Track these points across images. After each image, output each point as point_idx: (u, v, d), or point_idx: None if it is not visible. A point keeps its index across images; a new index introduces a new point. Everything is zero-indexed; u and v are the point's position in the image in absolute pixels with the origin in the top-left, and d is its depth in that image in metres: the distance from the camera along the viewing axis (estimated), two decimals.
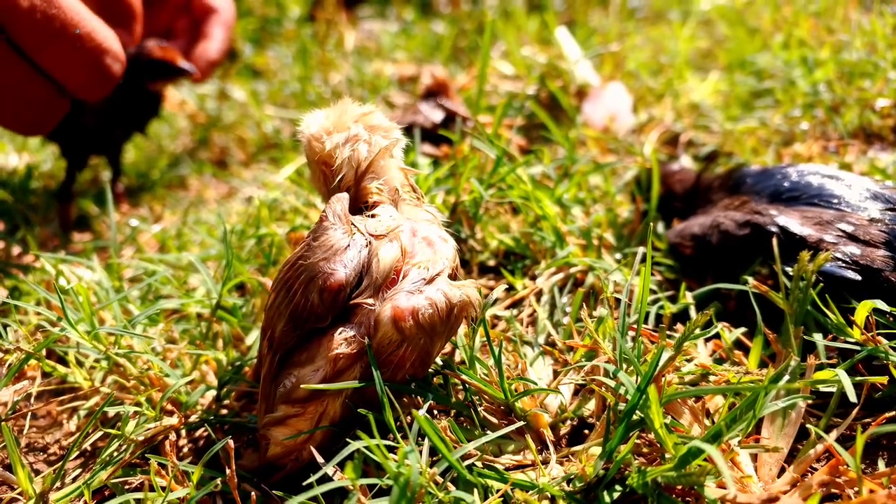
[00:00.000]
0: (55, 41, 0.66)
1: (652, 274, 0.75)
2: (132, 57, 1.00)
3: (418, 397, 0.52)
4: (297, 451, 0.49)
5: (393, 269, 0.50)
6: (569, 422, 0.57)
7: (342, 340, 0.47)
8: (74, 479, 0.58)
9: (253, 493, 0.47)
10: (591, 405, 0.57)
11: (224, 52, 1.15)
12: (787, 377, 0.49)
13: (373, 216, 0.53)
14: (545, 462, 0.51)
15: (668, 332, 0.54)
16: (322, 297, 0.48)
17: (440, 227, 0.55)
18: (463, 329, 0.59)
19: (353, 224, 0.51)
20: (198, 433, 0.63)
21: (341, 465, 0.45)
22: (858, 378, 0.51)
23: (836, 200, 0.65)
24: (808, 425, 0.50)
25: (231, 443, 0.47)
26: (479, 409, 0.54)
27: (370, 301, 0.48)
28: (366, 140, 0.55)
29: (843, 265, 0.59)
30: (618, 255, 0.79)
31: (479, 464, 0.49)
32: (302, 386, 0.47)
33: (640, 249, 0.70)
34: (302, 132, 0.57)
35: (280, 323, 0.49)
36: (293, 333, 0.48)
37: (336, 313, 0.48)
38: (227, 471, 0.47)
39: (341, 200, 0.52)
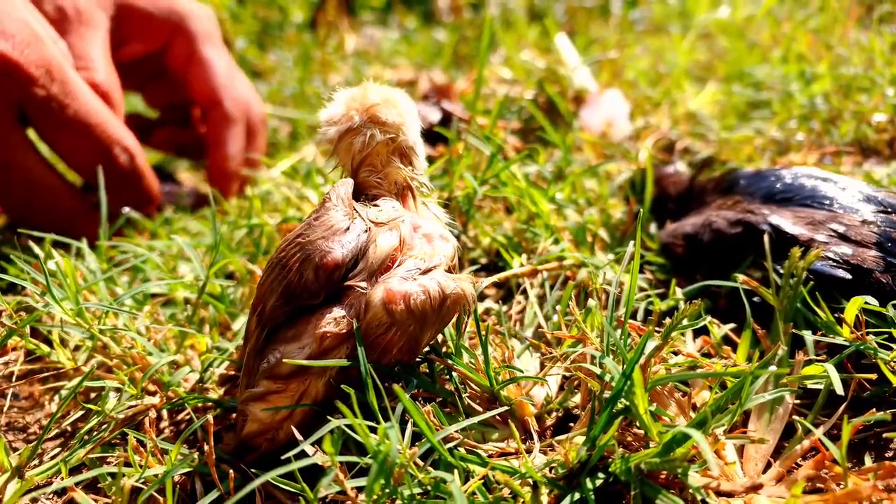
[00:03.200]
0: (67, 129, 0.76)
1: (643, 272, 0.75)
2: None
3: (402, 384, 0.51)
4: (274, 431, 0.49)
5: (389, 257, 0.50)
6: (554, 413, 0.56)
7: (331, 320, 0.47)
8: (53, 458, 0.57)
9: (231, 472, 0.46)
10: (578, 398, 0.56)
11: (242, 151, 1.07)
12: (773, 367, 0.48)
13: (375, 206, 0.53)
14: (529, 451, 0.50)
15: (655, 327, 0.54)
16: (317, 274, 0.47)
17: (443, 227, 0.55)
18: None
19: (354, 209, 0.51)
20: (179, 416, 0.62)
21: (320, 444, 0.44)
22: (846, 375, 0.51)
23: (828, 202, 0.65)
24: (795, 421, 0.50)
25: (211, 419, 0.46)
26: (464, 396, 0.53)
27: (363, 284, 0.48)
28: (362, 134, 0.55)
29: (834, 264, 0.58)
30: (610, 255, 0.79)
31: (461, 449, 0.48)
32: (285, 361, 0.46)
33: (631, 245, 0.70)
34: (318, 119, 0.57)
35: (271, 298, 0.48)
36: (283, 309, 0.48)
37: (329, 292, 0.48)
38: (206, 447, 0.46)
39: (346, 184, 0.52)
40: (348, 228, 0.49)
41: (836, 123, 1.12)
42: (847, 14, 1.59)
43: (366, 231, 0.50)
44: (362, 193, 0.56)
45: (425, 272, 0.49)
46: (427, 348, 0.56)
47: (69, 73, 0.76)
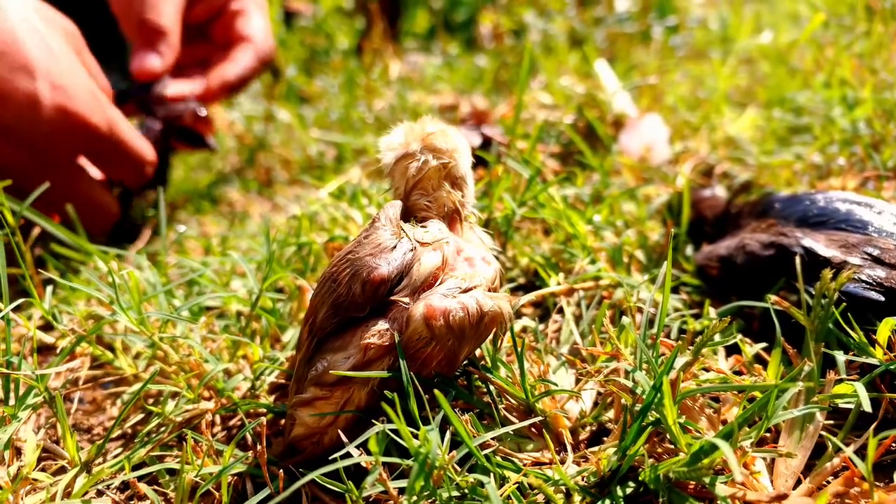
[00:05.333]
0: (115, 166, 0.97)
1: (678, 293, 0.76)
2: (168, 117, 1.09)
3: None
4: (319, 435, 0.52)
5: (432, 275, 0.53)
6: (588, 428, 0.58)
7: (375, 332, 0.50)
8: (116, 457, 0.61)
9: (280, 472, 0.49)
10: (611, 414, 0.58)
11: (244, 80, 1.18)
12: (800, 382, 0.49)
13: (423, 227, 0.57)
14: (562, 462, 0.52)
15: (688, 345, 0.56)
16: (364, 288, 0.51)
17: (486, 251, 0.59)
18: None
19: (402, 229, 0.55)
20: (231, 423, 0.66)
21: (364, 447, 0.47)
22: (877, 394, 0.52)
23: (863, 226, 0.66)
24: (826, 439, 0.51)
25: (263, 421, 0.49)
26: (500, 407, 0.56)
27: (406, 299, 0.52)
28: (417, 159, 0.59)
29: (868, 286, 0.59)
30: (646, 276, 0.80)
31: (497, 456, 0.51)
32: (331, 371, 0.49)
33: (664, 266, 0.72)
34: (378, 145, 0.62)
35: (322, 310, 0.52)
36: (332, 320, 0.51)
37: (374, 305, 0.52)
38: (258, 447, 0.49)
39: (394, 206, 0.57)
40: (395, 247, 0.53)
41: (878, 149, 1.12)
42: (893, 39, 1.58)
43: (411, 250, 0.53)
44: (412, 215, 0.59)
45: (465, 291, 0.52)
46: (465, 362, 0.59)
47: (121, 126, 0.94)
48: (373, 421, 0.46)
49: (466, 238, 0.60)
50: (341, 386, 0.50)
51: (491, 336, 0.56)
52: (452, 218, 0.60)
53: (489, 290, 0.55)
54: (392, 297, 0.52)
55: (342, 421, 0.52)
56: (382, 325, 0.51)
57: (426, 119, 0.61)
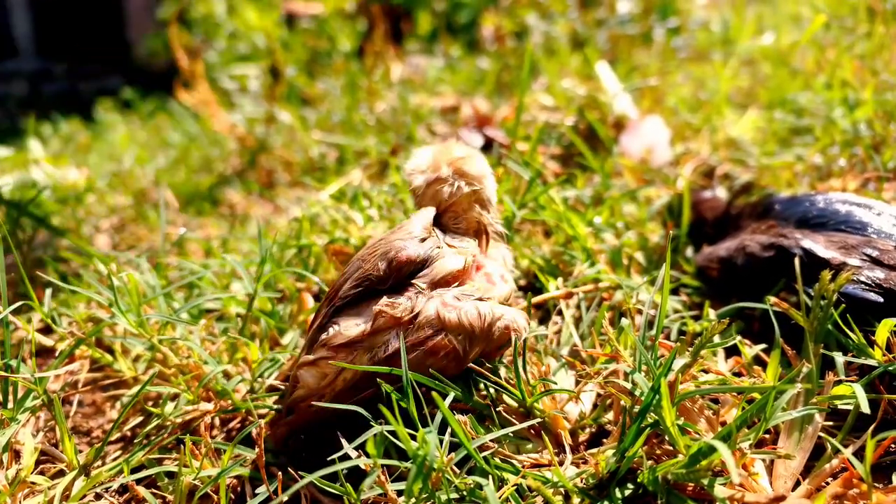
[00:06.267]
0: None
1: (678, 294, 0.76)
2: None
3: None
4: (318, 397, 0.54)
5: (451, 275, 0.55)
6: (588, 429, 0.58)
7: (389, 302, 0.53)
8: (115, 460, 0.61)
9: (279, 475, 0.49)
10: (611, 415, 0.58)
11: None
12: (798, 384, 0.49)
13: (454, 237, 0.60)
14: (561, 463, 0.52)
15: (687, 346, 0.55)
16: (389, 265, 0.54)
17: (506, 270, 0.62)
18: None
19: (433, 230, 0.58)
20: (230, 425, 0.66)
21: (363, 450, 0.47)
22: (876, 395, 0.52)
23: (862, 227, 0.66)
24: (825, 440, 0.51)
25: (262, 423, 0.49)
26: (500, 408, 0.56)
27: (424, 284, 0.54)
28: (450, 184, 0.61)
29: (866, 288, 0.59)
30: (646, 278, 0.80)
31: (496, 458, 0.51)
32: (342, 332, 0.52)
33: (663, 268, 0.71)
34: (404, 167, 0.65)
35: (346, 283, 0.55)
36: (354, 290, 0.54)
37: (395, 282, 0.54)
38: (257, 449, 0.49)
39: (429, 211, 0.60)
40: (424, 238, 0.57)
41: (879, 150, 1.11)
42: (895, 40, 1.58)
43: (438, 247, 0.57)
44: (443, 233, 0.61)
45: (479, 300, 0.55)
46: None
47: None
48: (371, 423, 0.46)
49: (491, 256, 0.63)
50: (346, 349, 0.52)
51: (507, 349, 0.58)
52: (479, 236, 0.63)
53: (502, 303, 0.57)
54: (413, 280, 0.54)
55: (340, 384, 0.53)
56: (399, 299, 0.53)
57: (452, 143, 0.63)
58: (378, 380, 0.48)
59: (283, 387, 0.67)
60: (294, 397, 0.55)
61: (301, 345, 0.64)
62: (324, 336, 0.53)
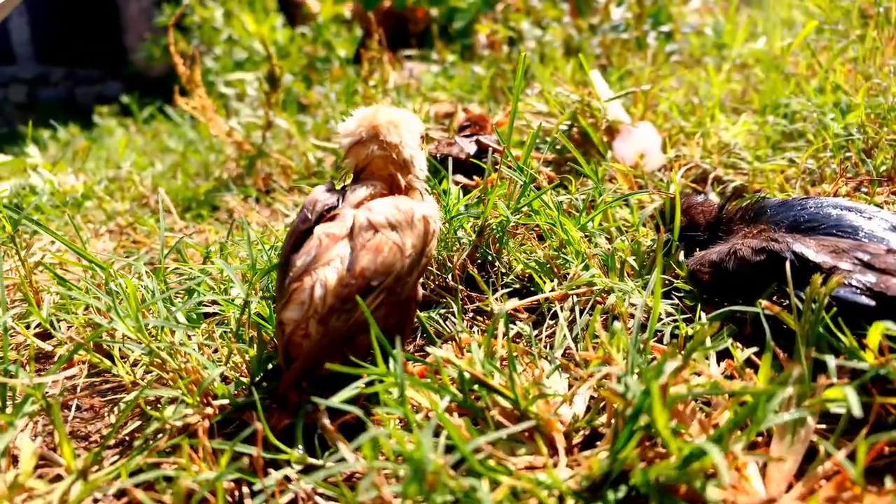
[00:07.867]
0: None
1: (671, 298, 0.77)
2: None
3: (434, 394, 0.55)
4: (305, 325, 0.59)
5: (365, 199, 0.66)
6: (581, 432, 0.58)
7: (323, 228, 0.63)
8: (113, 464, 0.61)
9: (277, 476, 0.50)
10: (604, 418, 0.59)
11: None
12: (790, 387, 0.50)
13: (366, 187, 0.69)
14: (555, 465, 0.53)
15: (679, 349, 0.56)
16: (306, 209, 0.65)
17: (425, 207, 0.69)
18: (478, 338, 0.62)
19: (335, 189, 0.69)
20: (228, 429, 0.66)
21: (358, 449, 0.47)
22: (868, 399, 0.52)
23: (853, 231, 0.66)
24: (817, 443, 0.51)
25: (259, 425, 0.50)
26: (494, 411, 0.56)
27: (348, 208, 0.64)
28: (366, 146, 0.69)
29: (858, 291, 0.60)
30: (639, 282, 0.81)
31: (490, 461, 0.51)
32: (298, 265, 0.60)
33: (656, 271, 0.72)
34: (337, 129, 0.72)
35: (287, 243, 0.64)
36: (290, 242, 0.64)
37: (317, 218, 0.64)
38: (254, 451, 0.50)
39: (325, 185, 0.71)
40: (328, 190, 0.68)
41: (871, 154, 1.13)
42: (887, 43, 1.59)
43: (341, 190, 0.68)
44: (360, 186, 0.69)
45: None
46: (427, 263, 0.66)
47: None
48: (367, 424, 0.47)
49: (415, 199, 0.69)
50: (307, 272, 0.60)
51: (433, 239, 0.65)
52: (392, 192, 0.70)
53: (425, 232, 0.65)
54: (335, 211, 0.64)
55: (319, 305, 0.59)
56: (329, 224, 0.63)
57: (379, 107, 0.70)
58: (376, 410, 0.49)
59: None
60: (287, 336, 0.60)
61: None
62: (287, 281, 0.61)
